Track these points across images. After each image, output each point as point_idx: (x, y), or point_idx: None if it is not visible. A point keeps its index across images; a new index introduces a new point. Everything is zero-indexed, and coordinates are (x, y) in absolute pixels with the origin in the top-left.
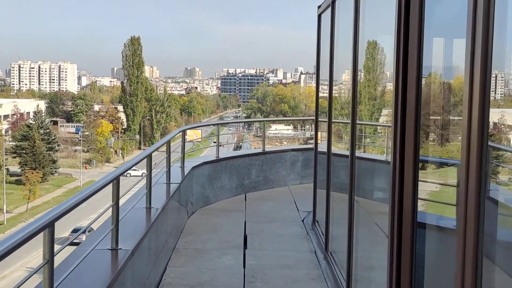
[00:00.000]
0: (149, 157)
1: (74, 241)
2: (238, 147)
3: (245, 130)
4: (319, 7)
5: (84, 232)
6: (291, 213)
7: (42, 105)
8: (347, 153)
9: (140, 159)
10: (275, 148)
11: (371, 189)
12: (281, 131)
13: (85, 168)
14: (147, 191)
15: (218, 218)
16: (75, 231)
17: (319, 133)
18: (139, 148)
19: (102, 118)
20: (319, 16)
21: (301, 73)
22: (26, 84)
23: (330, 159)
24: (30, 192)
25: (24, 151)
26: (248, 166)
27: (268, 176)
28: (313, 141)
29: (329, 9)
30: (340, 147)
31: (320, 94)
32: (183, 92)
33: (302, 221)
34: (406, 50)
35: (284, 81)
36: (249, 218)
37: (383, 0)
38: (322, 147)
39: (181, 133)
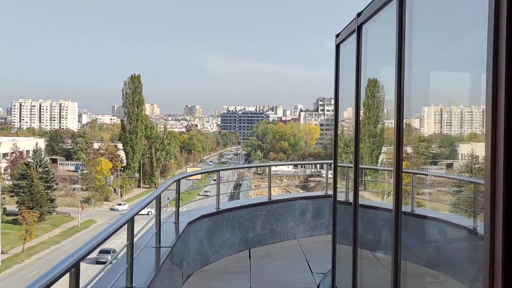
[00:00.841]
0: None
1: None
2: (238, 185)
3: (244, 168)
4: (337, 36)
5: (109, 252)
6: (304, 275)
7: (42, 143)
8: (387, 205)
9: (150, 200)
10: (283, 196)
11: (428, 254)
12: (281, 169)
13: (82, 208)
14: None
15: (219, 282)
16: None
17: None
18: (139, 186)
19: (101, 156)
20: (338, 46)
21: (301, 110)
22: (26, 122)
23: (357, 210)
24: (26, 233)
25: (21, 190)
26: (252, 218)
27: (274, 228)
28: (314, 179)
29: (354, 36)
30: (367, 197)
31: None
32: (183, 129)
33: (318, 286)
34: None
35: (284, 118)
36: (254, 283)
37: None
38: (342, 196)
39: (175, 183)
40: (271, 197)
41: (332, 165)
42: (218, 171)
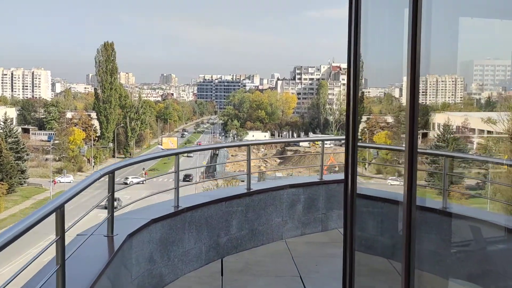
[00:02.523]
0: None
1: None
2: (215, 155)
3: (221, 137)
4: None
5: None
6: None
7: (13, 112)
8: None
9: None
10: (266, 184)
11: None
12: (257, 138)
13: (54, 183)
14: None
15: None
16: None
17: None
18: (113, 157)
19: (75, 126)
20: None
21: (278, 79)
22: None
23: (412, 214)
24: None
25: None
26: (225, 216)
27: (255, 228)
28: (291, 148)
29: None
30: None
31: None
32: (159, 98)
33: None
34: None
35: (260, 87)
36: None
37: None
38: (367, 189)
39: (108, 176)
40: (250, 186)
41: (347, 143)
42: (177, 154)
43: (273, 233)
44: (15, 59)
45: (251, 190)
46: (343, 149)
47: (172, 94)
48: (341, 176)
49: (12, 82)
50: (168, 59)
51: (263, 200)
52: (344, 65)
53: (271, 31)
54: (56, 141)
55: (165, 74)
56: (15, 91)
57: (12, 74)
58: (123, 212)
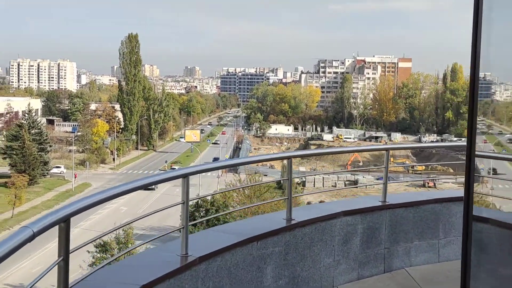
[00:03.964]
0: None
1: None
2: (237, 148)
3: (244, 129)
4: None
5: None
6: None
7: (38, 103)
8: None
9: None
10: (312, 211)
11: None
12: (281, 131)
13: (75, 177)
14: None
15: None
16: None
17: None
18: (136, 149)
19: (98, 117)
20: None
21: (302, 72)
22: (25, 82)
23: None
24: (15, 197)
25: (14, 152)
26: (257, 262)
27: (298, 274)
28: (314, 142)
29: None
30: None
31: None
32: (183, 91)
33: None
34: None
35: (284, 80)
36: None
37: None
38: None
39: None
40: (291, 215)
41: (468, 155)
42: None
43: (321, 279)
44: (42, 51)
45: (293, 222)
46: (367, 143)
47: (196, 86)
48: (410, 196)
49: (38, 73)
50: (193, 52)
51: (308, 235)
52: (369, 59)
53: (295, 24)
54: (79, 133)
55: (189, 67)
56: (41, 83)
57: (38, 65)
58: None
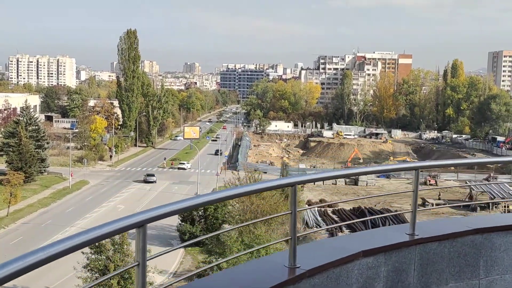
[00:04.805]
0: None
1: None
2: (237, 145)
3: (243, 125)
4: None
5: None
6: None
7: (37, 100)
8: None
9: None
10: (323, 253)
11: None
12: (281, 128)
13: (71, 176)
14: None
15: None
16: None
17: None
18: (135, 145)
19: (97, 114)
20: None
21: (302, 69)
22: (24, 78)
23: None
24: (11, 195)
25: (10, 149)
26: None
27: None
28: (314, 139)
29: None
30: None
31: None
32: (182, 87)
33: None
34: None
35: (284, 76)
36: None
37: None
38: None
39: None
40: (295, 260)
41: None
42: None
43: None
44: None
45: (298, 271)
46: (367, 140)
47: (195, 83)
48: (443, 226)
49: (37, 69)
50: (192, 48)
51: (319, 285)
52: (369, 55)
53: (294, 20)
54: (76, 130)
55: (188, 63)
56: (41, 79)
57: (37, 61)
58: None
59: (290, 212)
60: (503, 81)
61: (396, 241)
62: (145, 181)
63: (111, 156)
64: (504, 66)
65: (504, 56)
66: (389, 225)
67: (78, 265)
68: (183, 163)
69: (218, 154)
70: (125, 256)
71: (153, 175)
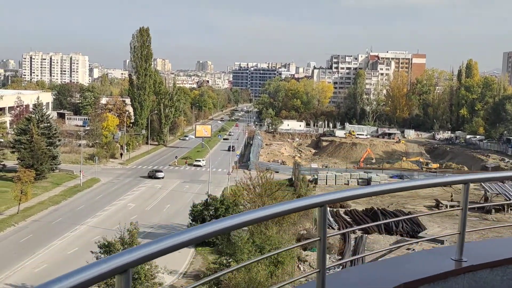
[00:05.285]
0: None
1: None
2: (249, 144)
3: (255, 124)
4: None
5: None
6: None
7: (49, 97)
8: None
9: None
10: (350, 276)
11: None
12: (293, 127)
13: (81, 174)
14: None
15: None
16: None
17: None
18: (147, 143)
19: (109, 112)
20: None
21: (314, 68)
22: (37, 76)
23: None
24: (21, 193)
25: (22, 146)
26: None
27: None
28: (326, 139)
29: None
30: None
31: None
32: (195, 85)
33: None
34: None
35: (296, 75)
36: None
37: None
38: None
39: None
40: None
41: None
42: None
43: None
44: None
45: None
46: (380, 140)
47: (208, 81)
48: (494, 249)
49: (50, 67)
50: (205, 46)
51: None
52: (382, 54)
53: (307, 19)
54: (88, 127)
55: (201, 61)
56: (53, 76)
57: (50, 59)
58: None
59: (319, 238)
60: None
61: (442, 269)
62: (152, 177)
63: (121, 154)
64: None
65: None
66: (402, 227)
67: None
68: (199, 160)
69: (231, 150)
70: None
71: (161, 171)
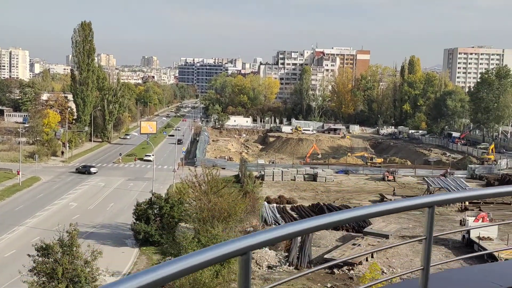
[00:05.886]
0: None
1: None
2: (195, 140)
3: (202, 120)
4: None
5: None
6: None
7: None
8: None
9: None
10: None
11: None
12: (239, 123)
13: (18, 174)
14: None
15: None
16: None
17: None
18: (90, 140)
19: (50, 108)
20: None
21: (261, 64)
22: None
23: None
24: None
25: None
26: None
27: None
28: (273, 134)
29: None
30: None
31: None
32: (140, 81)
33: None
34: None
35: (243, 71)
36: None
37: None
38: None
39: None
40: None
41: None
42: None
43: None
44: None
45: None
46: (325, 136)
47: (153, 76)
48: (461, 285)
49: None
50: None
51: None
52: (328, 51)
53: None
54: (28, 124)
55: (146, 57)
56: None
57: None
58: None
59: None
60: (458, 77)
61: None
62: (85, 172)
63: (62, 152)
64: (459, 63)
65: (459, 53)
66: (348, 223)
67: (24, 268)
68: (149, 155)
69: (180, 143)
70: (74, 259)
71: (93, 166)
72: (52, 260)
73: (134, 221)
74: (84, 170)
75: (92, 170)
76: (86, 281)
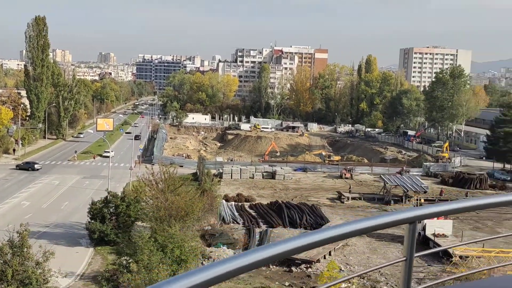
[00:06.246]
0: None
1: None
2: (153, 138)
3: (159, 117)
4: None
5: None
6: None
7: None
8: None
9: None
10: None
11: None
12: (198, 120)
13: None
14: None
15: None
16: None
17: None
18: (44, 138)
19: (2, 104)
20: None
21: (219, 61)
22: None
23: None
24: None
25: None
26: None
27: None
28: (232, 132)
29: None
30: None
31: None
32: (97, 77)
33: None
34: None
35: (201, 68)
36: None
37: None
38: None
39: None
40: None
41: None
42: None
43: None
44: None
45: None
46: (284, 134)
47: (110, 73)
48: None
49: None
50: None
51: None
52: (286, 49)
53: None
54: None
55: (103, 53)
56: None
57: None
58: None
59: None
60: (413, 76)
61: None
62: (29, 169)
63: (14, 150)
64: (414, 63)
65: (415, 53)
66: (306, 220)
67: None
68: (108, 151)
69: (138, 139)
70: (25, 260)
71: (37, 163)
72: (1, 262)
73: (89, 220)
74: (28, 167)
75: (36, 166)
76: (37, 282)
